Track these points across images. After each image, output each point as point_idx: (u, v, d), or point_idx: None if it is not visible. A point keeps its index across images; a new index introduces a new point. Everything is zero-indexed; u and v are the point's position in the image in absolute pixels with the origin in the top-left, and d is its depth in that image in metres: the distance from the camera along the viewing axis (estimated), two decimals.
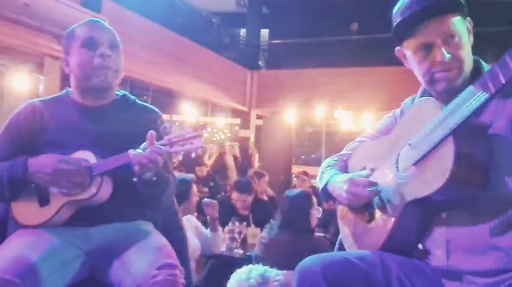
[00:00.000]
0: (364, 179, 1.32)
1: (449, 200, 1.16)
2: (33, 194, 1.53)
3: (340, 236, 1.56)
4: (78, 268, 1.47)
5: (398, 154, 1.29)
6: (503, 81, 0.99)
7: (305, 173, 6.86)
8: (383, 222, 1.30)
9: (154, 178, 1.48)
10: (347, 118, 9.94)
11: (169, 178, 1.62)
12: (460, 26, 1.23)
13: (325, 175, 1.50)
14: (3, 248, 1.43)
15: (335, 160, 1.57)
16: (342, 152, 1.59)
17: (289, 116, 9.62)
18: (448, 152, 1.10)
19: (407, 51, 1.29)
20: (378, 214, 1.33)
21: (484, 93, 1.03)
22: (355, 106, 8.99)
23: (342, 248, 1.52)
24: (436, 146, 1.13)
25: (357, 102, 8.71)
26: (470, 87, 1.06)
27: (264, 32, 11.87)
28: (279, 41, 11.13)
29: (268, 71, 10.60)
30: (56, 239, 1.47)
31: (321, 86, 8.95)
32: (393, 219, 1.25)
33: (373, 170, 1.35)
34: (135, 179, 1.48)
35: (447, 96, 1.22)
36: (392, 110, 1.52)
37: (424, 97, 1.31)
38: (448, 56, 1.20)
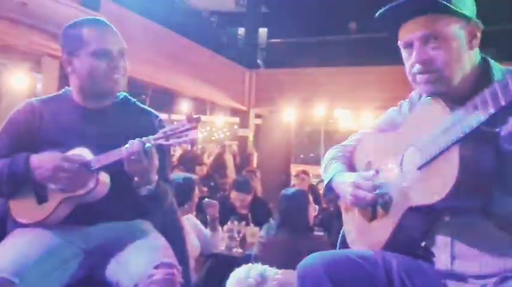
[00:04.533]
0: (369, 184, 1.30)
1: (452, 207, 1.14)
2: (31, 192, 1.52)
3: (343, 229, 1.55)
4: (77, 266, 1.47)
5: (403, 155, 1.26)
6: (504, 103, 0.94)
7: (304, 172, 6.86)
8: (385, 223, 1.28)
9: (150, 186, 1.49)
10: (346, 117, 9.94)
11: (167, 188, 1.63)
12: (450, 28, 1.17)
13: (330, 169, 1.47)
14: (2, 247, 1.43)
15: (339, 151, 1.54)
16: (346, 143, 1.56)
17: (288, 115, 9.62)
18: (453, 162, 1.06)
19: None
20: (380, 213, 1.32)
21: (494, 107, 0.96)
22: (354, 105, 8.99)
23: (344, 241, 1.51)
24: (441, 154, 1.10)
25: (355, 101, 8.72)
26: (484, 95, 0.99)
27: (263, 31, 11.87)
28: (278, 40, 11.13)
29: (267, 70, 10.60)
30: (55, 238, 1.47)
31: (320, 85, 8.95)
32: (395, 221, 1.24)
33: (377, 172, 1.32)
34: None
35: (447, 97, 1.18)
36: (400, 102, 1.48)
37: (430, 97, 1.24)
38: (423, 58, 1.17)
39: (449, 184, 1.06)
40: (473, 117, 1.01)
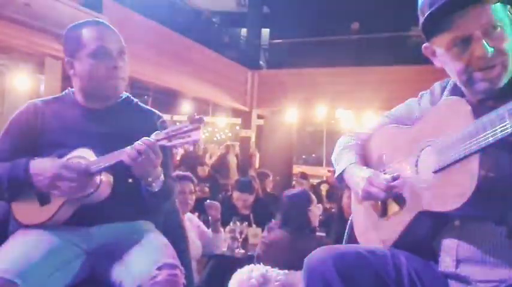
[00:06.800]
0: (383, 182, 1.24)
1: (466, 215, 1.11)
2: (34, 194, 1.52)
3: (350, 219, 1.53)
4: (79, 267, 1.47)
5: (420, 154, 1.20)
6: None
7: (303, 176, 6.85)
8: (395, 221, 1.26)
9: (157, 189, 1.50)
10: (348, 118, 9.95)
11: (173, 185, 1.65)
12: (502, 14, 1.08)
13: (343, 160, 1.42)
14: (4, 248, 1.43)
15: (352, 139, 1.49)
16: (360, 131, 1.53)
17: (290, 116, 9.63)
18: (472, 172, 1.00)
19: (438, 48, 1.15)
20: (391, 210, 1.30)
21: None
22: (356, 106, 9.00)
23: (351, 234, 1.50)
24: (460, 161, 1.03)
25: (357, 101, 8.72)
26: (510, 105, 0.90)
27: (265, 32, 11.89)
28: (280, 41, 11.15)
29: (268, 70, 10.63)
30: (57, 239, 1.47)
31: (322, 86, 8.96)
32: (405, 222, 1.22)
33: (394, 179, 1.25)
34: (141, 187, 1.51)
35: (485, 97, 1.11)
36: (421, 93, 1.39)
37: (455, 97, 1.15)
38: (490, 50, 1.05)
39: (466, 194, 1.01)
40: (498, 128, 0.92)
